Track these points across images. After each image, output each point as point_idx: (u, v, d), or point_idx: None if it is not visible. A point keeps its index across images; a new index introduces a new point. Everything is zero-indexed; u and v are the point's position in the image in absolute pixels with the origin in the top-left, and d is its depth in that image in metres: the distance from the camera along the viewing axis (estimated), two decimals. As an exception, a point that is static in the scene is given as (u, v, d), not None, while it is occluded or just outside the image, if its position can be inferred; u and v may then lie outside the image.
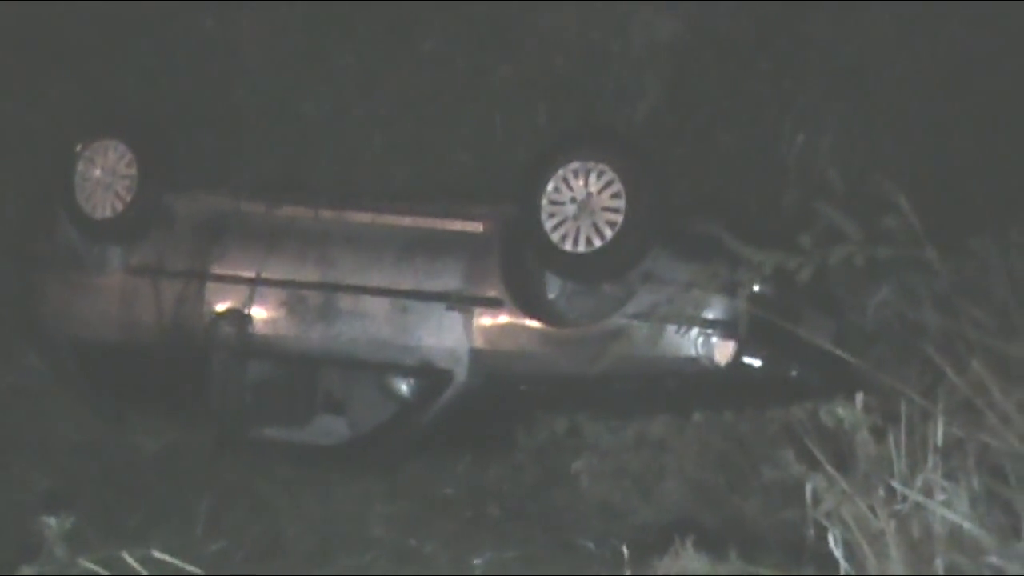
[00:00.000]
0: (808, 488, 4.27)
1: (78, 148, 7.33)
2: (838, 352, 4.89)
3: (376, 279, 6.92)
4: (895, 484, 4.10)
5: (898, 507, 4.06)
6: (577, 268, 6.64)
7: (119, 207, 7.25)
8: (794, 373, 6.43)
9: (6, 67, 8.18)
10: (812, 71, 7.41)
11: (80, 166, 7.31)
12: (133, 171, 7.24)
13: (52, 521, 4.06)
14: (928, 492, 4.03)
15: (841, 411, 4.36)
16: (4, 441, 7.21)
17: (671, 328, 6.33)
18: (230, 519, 6.69)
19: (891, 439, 4.21)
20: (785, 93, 7.40)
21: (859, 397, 4.45)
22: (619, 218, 6.50)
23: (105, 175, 7.28)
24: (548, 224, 6.60)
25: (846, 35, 7.50)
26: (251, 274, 7.09)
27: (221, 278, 7.14)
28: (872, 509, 4.05)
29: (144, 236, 7.31)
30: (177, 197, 7.32)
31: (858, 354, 5.02)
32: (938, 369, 4.29)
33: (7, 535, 4.04)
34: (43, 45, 8.21)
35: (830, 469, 4.17)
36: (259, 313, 7.04)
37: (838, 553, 4.08)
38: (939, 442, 4.14)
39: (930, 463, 4.08)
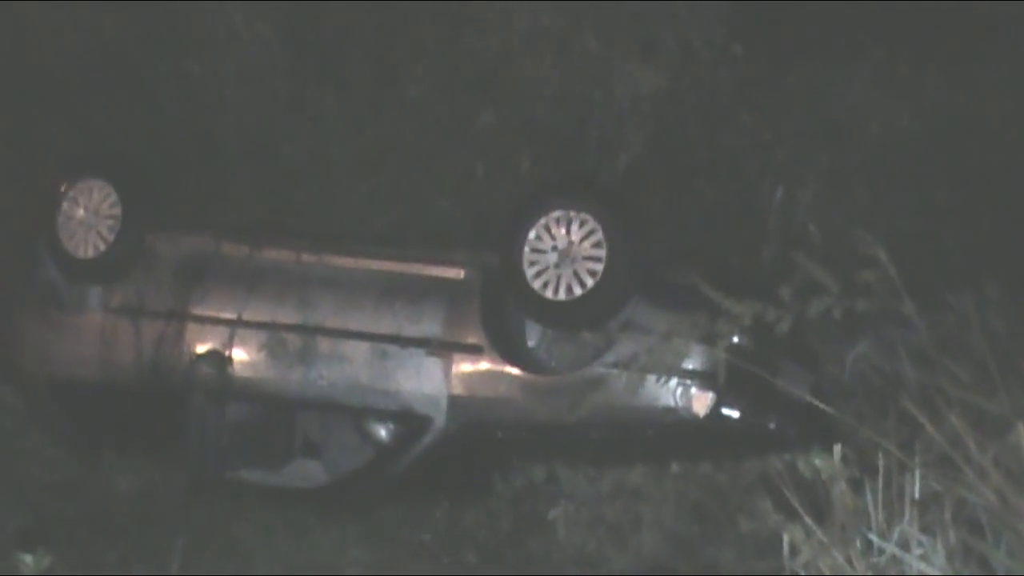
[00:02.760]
0: (785, 539, 4.27)
1: (62, 188, 7.30)
2: (816, 404, 4.90)
3: (356, 323, 6.89)
4: (872, 536, 4.10)
5: (875, 560, 4.07)
6: (557, 316, 6.63)
7: (102, 247, 7.22)
8: (772, 425, 6.40)
9: (-7, 107, 8.21)
10: (792, 125, 7.46)
11: (64, 206, 7.27)
12: (117, 211, 7.21)
13: (28, 558, 4.02)
14: (905, 545, 4.04)
15: (819, 462, 4.36)
16: (-23, 479, 7.18)
17: (650, 378, 6.33)
18: (205, 560, 6.65)
19: (868, 491, 4.22)
20: (765, 146, 7.44)
21: (837, 449, 4.47)
22: (600, 267, 6.49)
23: (89, 215, 7.26)
24: (529, 272, 6.59)
25: (826, 90, 7.56)
26: (232, 316, 7.06)
27: (201, 319, 7.10)
28: (849, 561, 4.05)
29: (125, 276, 7.27)
30: (159, 238, 7.28)
31: (836, 407, 5.03)
32: (915, 423, 4.31)
33: (-20, 574, 4.01)
34: (30, 86, 8.21)
35: (808, 520, 4.18)
36: (239, 355, 7.01)
37: (814, 605, 4.08)
38: (916, 495, 4.15)
39: (907, 516, 4.09)
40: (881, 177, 7.28)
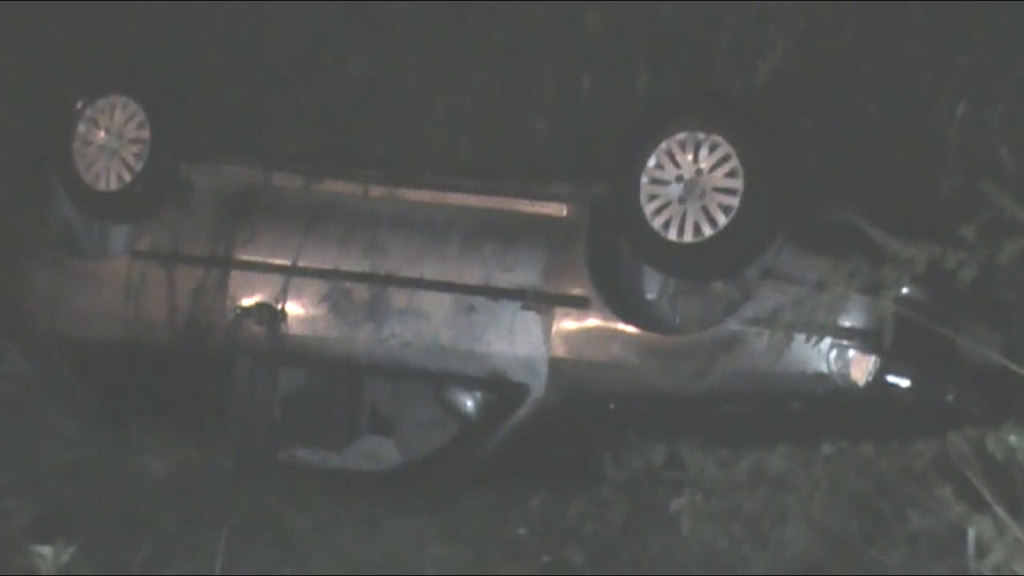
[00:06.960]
0: (970, 536, 4.23)
1: (78, 106, 7.38)
2: (1008, 369, 4.84)
3: (436, 271, 6.94)
4: (1083, 533, 4.06)
5: (1087, 561, 4.02)
6: (683, 262, 6.63)
7: (126, 177, 7.30)
8: (951, 397, 6.38)
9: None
10: (978, 23, 7.36)
11: (81, 128, 7.36)
12: (144, 134, 7.28)
13: (47, 551, 4.08)
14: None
15: (1014, 439, 4.32)
16: (-18, 460, 7.31)
17: (798, 338, 6.26)
18: (254, 557, 6.73)
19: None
20: (945, 51, 7.35)
21: (1036, 424, 4.42)
22: (735, 201, 6.47)
23: (111, 139, 7.33)
24: (648, 208, 6.59)
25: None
26: (285, 262, 7.12)
27: (248, 266, 7.17)
28: (1055, 563, 4.01)
29: (155, 214, 7.35)
30: (196, 167, 7.36)
31: (1034, 373, 4.97)
32: None
33: (-9, 569, 4.09)
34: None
35: (1000, 512, 4.13)
36: (294, 309, 7.07)
37: (1009, 617, 4.04)
38: None
39: None
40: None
